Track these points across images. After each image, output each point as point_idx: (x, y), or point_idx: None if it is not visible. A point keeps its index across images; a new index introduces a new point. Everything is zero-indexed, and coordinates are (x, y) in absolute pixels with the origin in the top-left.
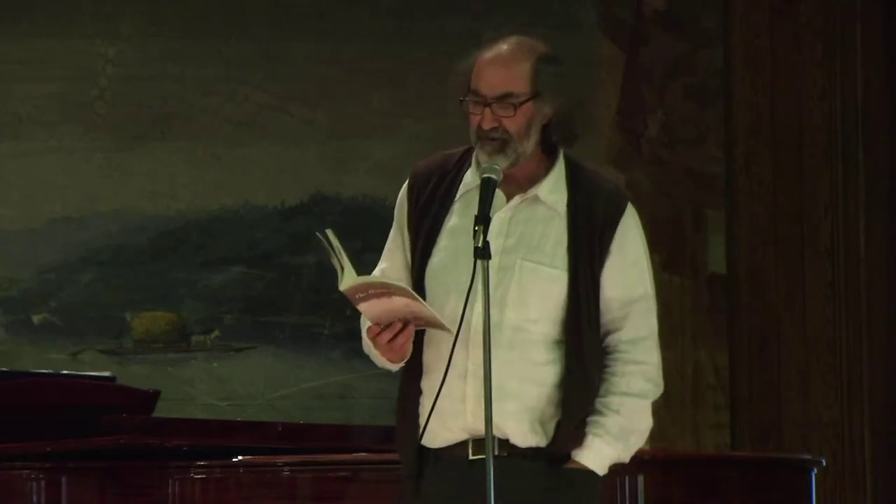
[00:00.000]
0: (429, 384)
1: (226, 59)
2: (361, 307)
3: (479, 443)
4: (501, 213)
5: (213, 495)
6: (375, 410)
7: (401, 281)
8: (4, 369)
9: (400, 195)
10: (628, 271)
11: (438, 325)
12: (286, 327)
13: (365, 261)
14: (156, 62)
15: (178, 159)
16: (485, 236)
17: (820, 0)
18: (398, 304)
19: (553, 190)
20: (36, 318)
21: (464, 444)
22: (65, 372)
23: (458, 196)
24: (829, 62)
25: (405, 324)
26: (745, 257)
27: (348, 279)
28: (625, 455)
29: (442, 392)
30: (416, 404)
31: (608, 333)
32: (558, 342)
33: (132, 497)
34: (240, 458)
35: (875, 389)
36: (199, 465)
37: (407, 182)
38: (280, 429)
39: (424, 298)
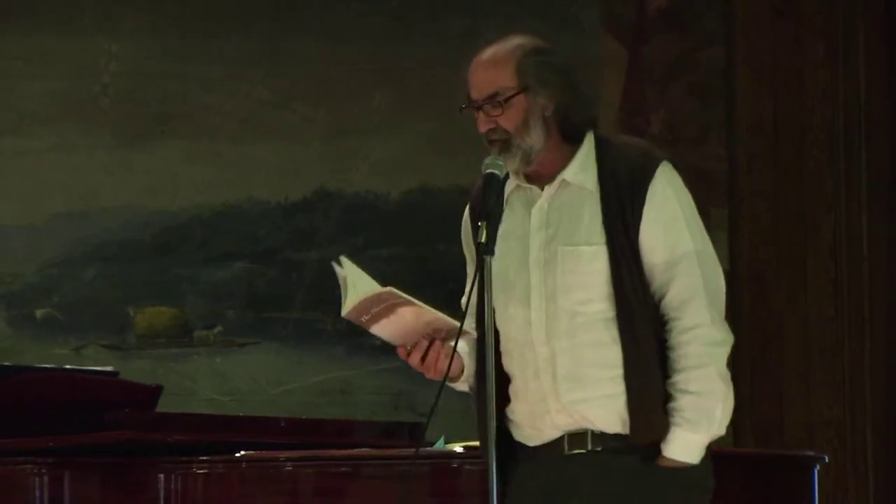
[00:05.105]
0: (514, 389)
1: (228, 56)
2: (374, 330)
3: (573, 437)
4: (537, 207)
5: (215, 490)
6: (377, 406)
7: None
8: (7, 364)
9: (463, 221)
10: (666, 232)
11: (451, 327)
12: (289, 323)
13: (367, 256)
14: (158, 59)
15: (180, 156)
16: (488, 232)
17: (822, 0)
18: (408, 318)
19: (581, 170)
20: (39, 314)
21: (560, 440)
22: (67, 367)
23: (504, 204)
24: (831, 62)
25: (431, 341)
26: (747, 256)
27: (346, 305)
28: (716, 430)
29: (523, 396)
30: (503, 411)
31: (660, 301)
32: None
33: (135, 492)
34: (242, 453)
35: (877, 388)
36: (202, 460)
37: (467, 206)
38: (283, 424)
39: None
